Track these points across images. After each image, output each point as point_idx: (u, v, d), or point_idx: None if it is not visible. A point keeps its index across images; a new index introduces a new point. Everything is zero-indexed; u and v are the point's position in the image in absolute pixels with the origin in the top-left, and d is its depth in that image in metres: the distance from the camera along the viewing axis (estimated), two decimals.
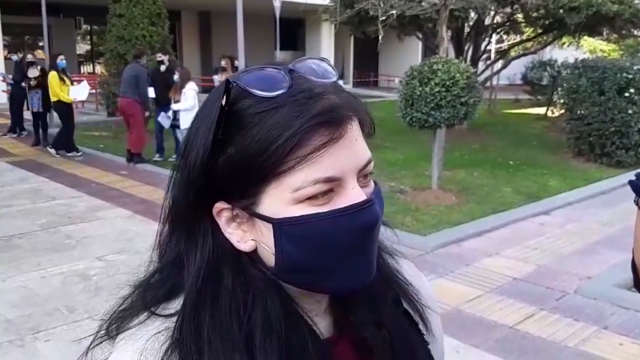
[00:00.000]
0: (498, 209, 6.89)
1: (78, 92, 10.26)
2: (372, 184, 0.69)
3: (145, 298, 0.69)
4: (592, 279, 4.86)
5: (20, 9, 18.53)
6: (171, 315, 0.67)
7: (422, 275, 0.89)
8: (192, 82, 9.14)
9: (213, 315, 0.64)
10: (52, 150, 10.20)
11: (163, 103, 9.31)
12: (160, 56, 10.11)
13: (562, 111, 11.41)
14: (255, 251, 0.67)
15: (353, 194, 0.63)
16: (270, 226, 0.64)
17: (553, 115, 14.63)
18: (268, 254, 0.66)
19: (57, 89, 9.87)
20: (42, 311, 4.18)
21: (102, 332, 0.70)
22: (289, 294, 0.67)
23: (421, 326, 0.79)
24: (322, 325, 0.71)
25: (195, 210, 0.66)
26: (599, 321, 4.10)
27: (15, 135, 12.24)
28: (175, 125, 9.21)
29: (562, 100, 10.85)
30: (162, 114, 9.29)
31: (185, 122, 8.90)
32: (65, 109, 10.09)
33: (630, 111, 9.19)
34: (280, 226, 0.63)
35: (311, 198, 0.62)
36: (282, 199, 0.62)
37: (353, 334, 0.72)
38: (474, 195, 7.52)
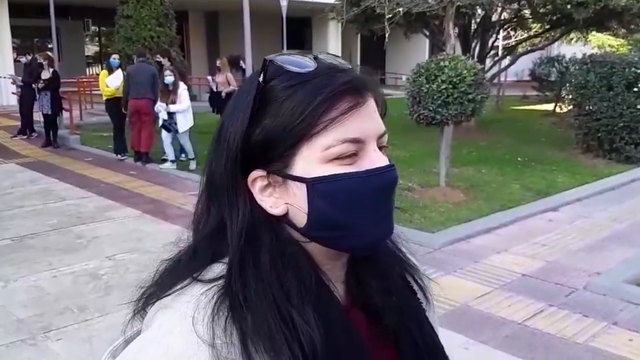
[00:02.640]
0: (506, 205, 6.88)
1: (113, 80, 10.10)
2: (387, 155, 0.76)
3: (189, 266, 0.74)
4: (602, 274, 4.85)
5: (29, 11, 18.67)
6: (215, 279, 0.72)
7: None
8: (182, 83, 9.03)
9: (256, 270, 0.70)
10: (119, 157, 9.98)
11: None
12: (158, 57, 10.07)
13: (570, 107, 11.35)
14: (286, 215, 0.73)
15: (376, 157, 0.72)
16: (303, 186, 0.71)
17: (561, 111, 14.55)
18: (300, 215, 0.72)
19: (104, 86, 9.92)
20: (53, 310, 4.22)
21: (145, 297, 0.75)
22: (314, 260, 0.74)
23: (420, 297, 0.87)
24: (338, 292, 0.77)
25: (233, 181, 0.73)
26: (608, 317, 4.09)
27: (25, 137, 12.32)
28: (166, 127, 8.90)
29: (570, 96, 10.80)
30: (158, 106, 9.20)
31: (183, 125, 8.80)
32: (113, 108, 9.98)
33: (639, 106, 9.15)
34: (314, 184, 0.70)
35: (339, 158, 0.70)
36: (313, 159, 0.70)
37: (364, 302, 0.79)
38: (482, 192, 7.51)
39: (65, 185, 8.20)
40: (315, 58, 0.73)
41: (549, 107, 16.26)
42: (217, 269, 0.73)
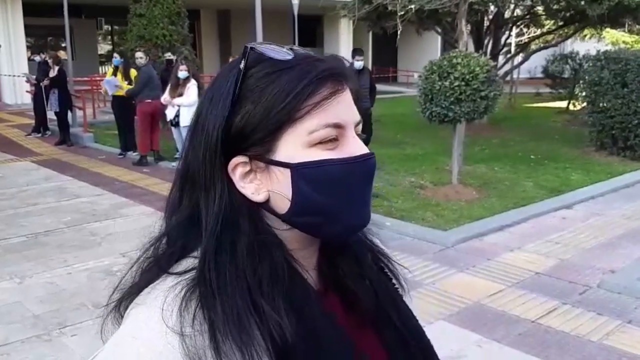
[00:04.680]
0: (519, 203, 6.85)
1: (108, 82, 10.16)
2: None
3: (158, 260, 0.75)
4: (616, 272, 4.82)
5: (43, 10, 18.81)
6: (184, 272, 0.72)
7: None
8: (192, 79, 8.93)
9: (232, 257, 0.70)
10: (132, 154, 9.97)
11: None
12: (169, 55, 10.08)
13: (584, 104, 11.28)
14: (267, 202, 0.74)
15: (355, 143, 0.74)
16: (287, 171, 0.71)
17: (575, 109, 14.46)
18: (281, 201, 0.73)
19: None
20: (68, 306, 4.27)
21: (118, 295, 0.75)
22: (289, 250, 0.75)
23: (396, 283, 0.89)
24: (312, 279, 0.78)
25: (213, 168, 0.73)
26: (622, 315, 4.06)
27: (39, 135, 12.43)
28: (176, 124, 8.89)
29: (583, 93, 10.73)
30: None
31: (186, 119, 8.65)
32: (118, 106, 10.01)
33: None
34: (298, 169, 0.71)
35: (321, 143, 0.71)
36: (297, 143, 0.71)
37: (339, 287, 0.80)
38: (495, 189, 7.48)
39: (79, 183, 8.27)
40: (291, 49, 0.74)
41: (563, 104, 16.15)
42: (187, 262, 0.73)
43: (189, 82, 8.75)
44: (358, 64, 7.92)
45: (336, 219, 0.73)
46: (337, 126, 0.72)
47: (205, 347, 0.66)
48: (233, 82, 0.71)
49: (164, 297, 0.69)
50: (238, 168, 0.73)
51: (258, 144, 0.71)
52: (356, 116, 0.75)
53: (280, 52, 0.73)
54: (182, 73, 8.73)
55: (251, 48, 0.72)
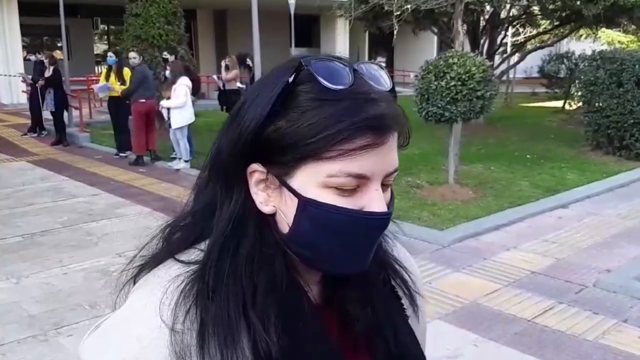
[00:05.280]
0: (515, 202, 6.86)
1: (100, 88, 10.17)
2: (389, 191, 0.76)
3: (171, 240, 0.78)
4: (612, 272, 4.83)
5: (39, 10, 18.76)
6: (188, 263, 0.74)
7: (411, 258, 0.95)
8: (184, 77, 8.76)
9: (233, 261, 0.71)
10: (126, 154, 9.92)
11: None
12: (165, 54, 10.08)
13: (580, 104, 11.30)
14: (273, 216, 0.73)
15: (375, 198, 0.70)
16: (296, 200, 0.70)
17: (570, 108, 14.49)
18: (284, 222, 0.73)
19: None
20: (64, 307, 4.26)
21: (130, 272, 0.79)
22: (292, 262, 0.74)
23: (405, 304, 0.86)
24: (313, 293, 0.78)
25: (236, 165, 0.73)
26: (618, 314, 4.08)
27: (35, 135, 12.40)
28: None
29: (579, 93, 10.76)
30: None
31: (177, 121, 8.60)
32: (114, 107, 10.01)
33: None
34: (306, 204, 0.70)
35: (338, 188, 0.69)
36: (314, 180, 0.69)
37: (337, 306, 0.79)
38: (491, 189, 7.49)
39: (75, 182, 8.26)
40: (355, 70, 0.70)
41: (558, 104, 16.19)
42: (194, 253, 0.75)
43: (175, 83, 8.63)
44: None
45: (327, 259, 0.72)
46: (360, 177, 0.69)
47: (192, 345, 0.68)
48: (278, 91, 0.68)
49: (166, 288, 0.71)
50: (255, 174, 0.72)
51: (279, 164, 0.70)
52: (390, 166, 0.71)
53: (334, 78, 0.68)
54: (166, 72, 8.77)
55: (305, 65, 0.69)
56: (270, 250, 0.72)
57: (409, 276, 0.87)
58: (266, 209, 0.73)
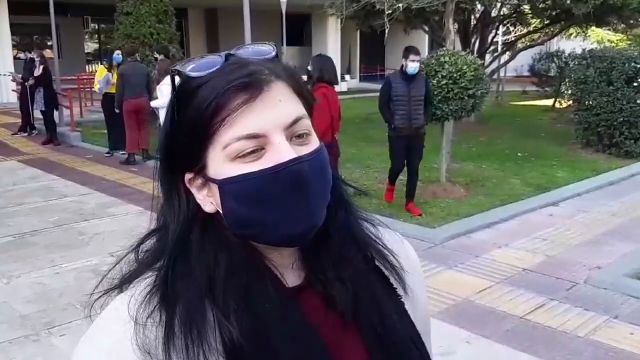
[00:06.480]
0: (507, 200, 6.90)
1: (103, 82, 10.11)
2: (312, 144, 0.74)
3: (143, 256, 0.80)
4: (602, 269, 4.87)
5: (29, 8, 18.63)
6: (160, 268, 0.76)
7: (405, 241, 0.94)
8: (169, 77, 8.86)
9: (184, 264, 0.73)
10: (123, 153, 9.81)
11: None
12: (156, 54, 10.04)
13: (570, 102, 11.36)
14: (218, 213, 0.75)
15: (280, 151, 0.69)
16: (216, 187, 0.73)
17: (561, 107, 14.56)
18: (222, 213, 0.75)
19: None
20: (56, 306, 4.24)
21: (109, 288, 0.80)
22: (256, 248, 0.75)
23: (394, 282, 0.84)
24: (291, 277, 0.78)
25: (169, 179, 0.77)
26: (609, 311, 4.11)
27: (26, 134, 12.33)
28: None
29: (569, 91, 10.81)
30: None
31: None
32: (108, 105, 9.94)
33: (638, 101, 9.16)
34: (222, 185, 0.72)
35: (242, 156, 0.70)
36: (218, 159, 0.71)
37: (319, 287, 0.78)
38: (483, 187, 7.52)
39: (66, 182, 8.21)
40: (230, 55, 0.74)
41: (549, 102, 16.27)
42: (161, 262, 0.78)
43: (160, 83, 8.51)
44: (413, 65, 6.02)
45: (270, 229, 0.72)
46: (254, 136, 0.69)
47: (157, 340, 0.70)
48: (171, 107, 0.74)
49: (139, 288, 0.75)
50: (192, 181, 0.75)
51: (196, 161, 0.73)
52: (285, 117, 0.71)
53: (202, 67, 0.72)
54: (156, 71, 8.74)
55: (176, 70, 0.73)
56: (225, 243, 0.74)
57: (394, 257, 0.85)
58: (208, 208, 0.75)
